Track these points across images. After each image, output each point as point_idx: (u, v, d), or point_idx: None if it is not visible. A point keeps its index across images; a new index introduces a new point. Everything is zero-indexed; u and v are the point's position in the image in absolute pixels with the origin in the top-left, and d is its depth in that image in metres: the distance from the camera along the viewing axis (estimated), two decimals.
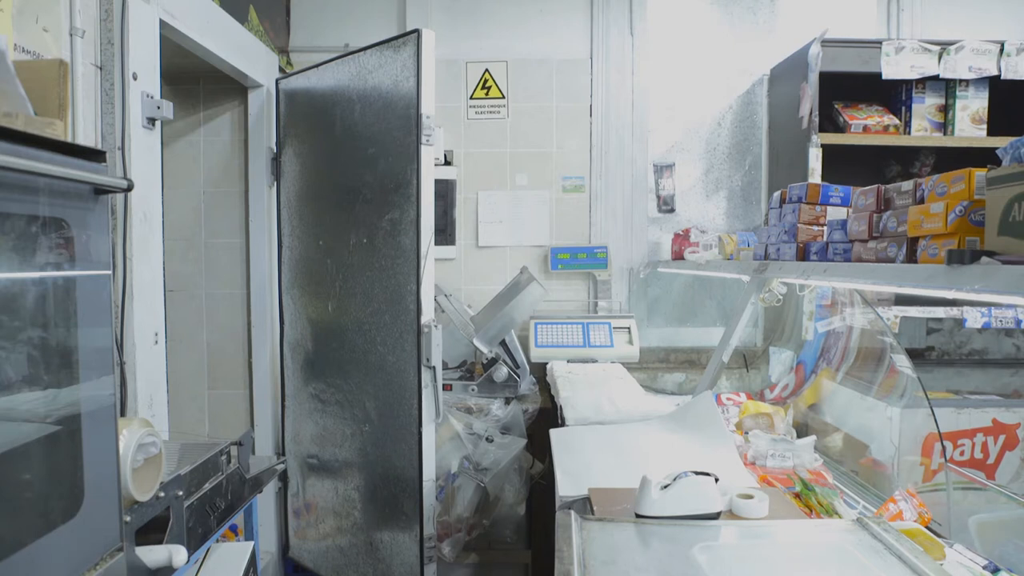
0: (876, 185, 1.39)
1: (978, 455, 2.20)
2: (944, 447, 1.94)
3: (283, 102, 2.81)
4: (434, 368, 2.33)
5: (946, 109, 2.78)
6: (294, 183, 2.79)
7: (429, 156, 2.26)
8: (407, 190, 2.30)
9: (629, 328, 3.04)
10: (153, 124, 1.96)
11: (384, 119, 2.38)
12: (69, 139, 1.16)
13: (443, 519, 2.53)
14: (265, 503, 2.84)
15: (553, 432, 1.94)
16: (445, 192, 3.22)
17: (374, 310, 2.46)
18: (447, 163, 3.27)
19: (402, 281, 2.37)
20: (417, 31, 2.22)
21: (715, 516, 1.29)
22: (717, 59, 3.35)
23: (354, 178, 2.49)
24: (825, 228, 1.64)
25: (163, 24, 2.02)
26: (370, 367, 2.48)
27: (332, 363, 2.64)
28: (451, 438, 2.59)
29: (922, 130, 2.79)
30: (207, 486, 1.52)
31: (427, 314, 2.31)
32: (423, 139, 2.24)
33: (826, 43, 2.68)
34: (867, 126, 2.75)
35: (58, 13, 1.61)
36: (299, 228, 2.77)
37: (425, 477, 2.32)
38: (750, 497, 1.32)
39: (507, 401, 2.75)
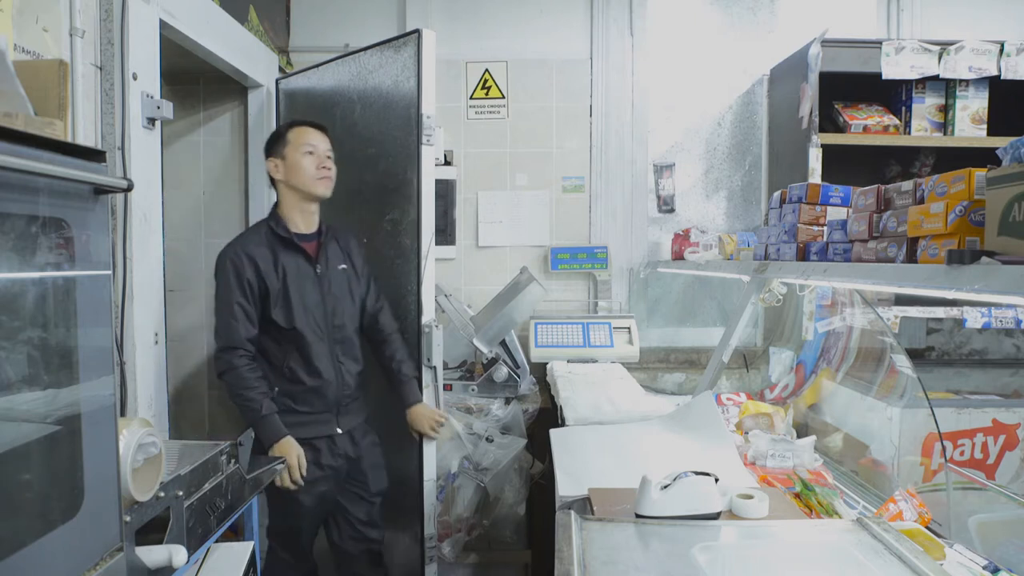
0: (876, 185, 1.39)
1: (978, 455, 2.20)
2: (944, 447, 1.94)
3: (283, 102, 2.81)
4: (435, 368, 2.33)
5: (946, 109, 2.78)
6: None
7: (430, 156, 2.26)
8: (407, 190, 2.30)
9: (629, 328, 3.04)
10: (153, 124, 1.96)
11: (384, 119, 2.38)
12: (69, 139, 1.16)
13: (443, 519, 2.53)
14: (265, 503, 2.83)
15: (553, 432, 1.94)
16: (445, 192, 3.22)
17: None
18: (447, 163, 3.27)
19: (403, 281, 2.37)
20: (418, 31, 2.22)
21: (715, 516, 1.29)
22: (717, 59, 3.35)
23: (354, 178, 2.49)
24: (825, 228, 1.64)
25: (163, 24, 2.03)
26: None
27: None
28: (451, 438, 2.59)
29: (922, 130, 2.79)
30: (207, 486, 1.52)
31: (428, 314, 2.31)
32: (424, 139, 2.24)
33: (826, 43, 2.68)
34: (867, 126, 2.75)
35: (58, 13, 1.61)
36: None
37: (425, 477, 2.32)
38: (750, 497, 1.32)
39: (507, 401, 2.74)
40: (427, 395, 2.33)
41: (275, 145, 2.13)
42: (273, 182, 2.15)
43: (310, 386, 2.07)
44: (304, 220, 2.14)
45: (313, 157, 2.08)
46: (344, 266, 2.19)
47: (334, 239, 2.20)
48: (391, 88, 2.35)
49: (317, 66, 2.63)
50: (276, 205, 2.15)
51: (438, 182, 3.04)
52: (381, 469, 2.30)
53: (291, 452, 1.99)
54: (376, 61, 2.40)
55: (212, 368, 3.01)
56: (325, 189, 2.12)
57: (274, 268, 2.04)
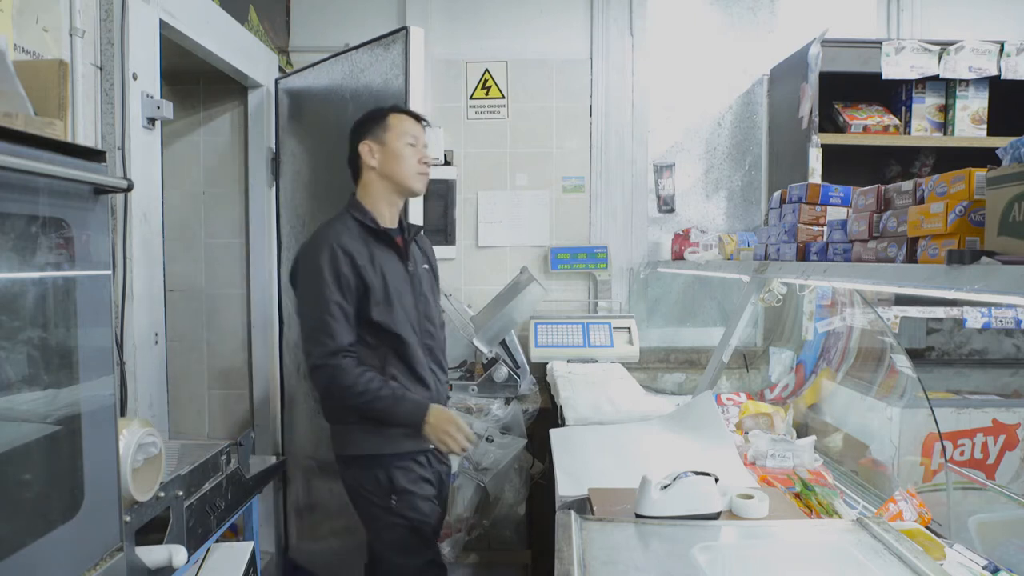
0: (876, 185, 1.39)
1: (978, 455, 2.20)
2: (944, 447, 1.94)
3: (282, 102, 2.81)
4: None
5: (946, 109, 2.78)
6: (293, 183, 2.78)
7: None
8: None
9: (629, 328, 3.04)
10: (153, 124, 1.96)
11: None
12: (69, 139, 1.16)
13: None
14: (265, 503, 2.84)
15: (553, 432, 1.94)
16: (445, 192, 3.22)
17: None
18: (447, 163, 3.27)
19: None
20: (405, 28, 2.22)
21: (715, 516, 1.29)
22: (717, 59, 3.35)
23: (349, 177, 2.48)
24: (825, 228, 1.64)
25: (163, 24, 2.03)
26: None
27: None
28: None
29: (922, 130, 2.79)
30: (207, 486, 1.52)
31: None
32: None
33: (826, 43, 2.68)
34: (867, 126, 2.75)
35: (58, 13, 1.61)
36: (299, 228, 2.77)
37: None
38: (750, 497, 1.31)
39: (507, 401, 2.74)
40: None
41: (372, 127, 1.90)
42: (358, 168, 1.93)
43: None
44: (391, 214, 1.93)
45: (415, 150, 1.90)
46: (427, 266, 2.02)
47: (413, 237, 2.00)
48: (381, 86, 2.35)
49: (313, 65, 2.63)
50: (356, 194, 1.93)
51: (438, 182, 3.05)
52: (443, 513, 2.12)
53: (450, 415, 1.82)
54: (367, 59, 2.40)
55: (212, 368, 3.04)
56: (422, 186, 1.94)
57: (371, 264, 1.82)
